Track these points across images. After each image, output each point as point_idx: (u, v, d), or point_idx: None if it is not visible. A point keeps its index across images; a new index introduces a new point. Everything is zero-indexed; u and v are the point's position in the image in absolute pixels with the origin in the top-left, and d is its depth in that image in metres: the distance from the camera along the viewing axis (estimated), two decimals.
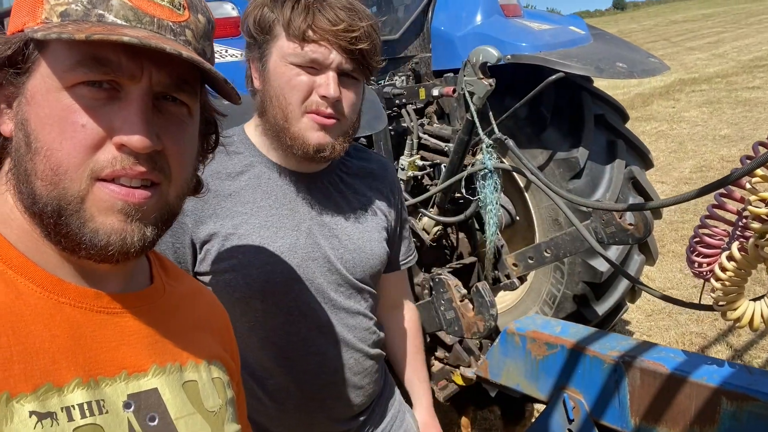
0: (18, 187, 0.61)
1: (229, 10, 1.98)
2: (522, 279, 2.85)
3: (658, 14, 52.15)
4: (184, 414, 0.67)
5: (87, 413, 0.58)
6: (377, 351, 1.30)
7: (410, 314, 1.47)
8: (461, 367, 2.21)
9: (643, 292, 3.06)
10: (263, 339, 1.17)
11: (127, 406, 0.63)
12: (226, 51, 1.83)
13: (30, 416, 0.55)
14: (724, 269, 1.15)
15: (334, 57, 1.06)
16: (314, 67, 1.07)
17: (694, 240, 1.23)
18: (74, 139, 0.58)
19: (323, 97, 1.07)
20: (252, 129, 1.20)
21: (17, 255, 0.61)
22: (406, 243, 1.41)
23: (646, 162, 2.82)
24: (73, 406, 0.58)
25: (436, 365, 2.32)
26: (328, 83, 1.07)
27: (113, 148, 0.59)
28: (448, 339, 2.25)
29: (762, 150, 1.04)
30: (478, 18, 2.71)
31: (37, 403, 0.56)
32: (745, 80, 12.11)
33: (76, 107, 0.58)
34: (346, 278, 1.21)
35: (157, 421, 0.64)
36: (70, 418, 0.57)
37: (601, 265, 2.52)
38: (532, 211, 2.74)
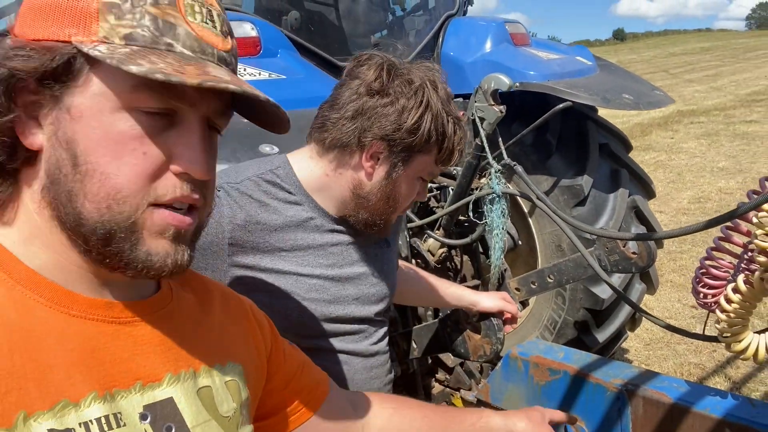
0: (56, 207, 0.59)
1: (249, 30, 2.02)
2: (524, 304, 2.87)
3: (657, 46, 52.90)
4: (200, 422, 0.67)
5: (105, 427, 0.58)
6: (388, 357, 1.35)
7: (407, 266, 1.55)
8: (461, 390, 2.22)
9: (642, 320, 3.08)
10: None
11: (143, 417, 0.62)
12: (245, 70, 1.86)
13: None
14: (729, 301, 1.17)
15: None
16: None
17: (701, 271, 1.25)
18: (136, 167, 0.58)
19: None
20: (303, 167, 1.18)
21: (24, 269, 0.60)
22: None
23: (648, 192, 2.86)
24: (90, 420, 0.57)
25: (437, 387, 2.32)
26: (425, 192, 1.22)
27: (172, 176, 0.60)
28: (450, 361, 2.26)
29: None
30: (488, 45, 2.77)
31: (54, 421, 0.55)
32: (743, 114, 12.26)
33: (135, 133, 0.58)
34: (369, 315, 1.26)
35: (174, 430, 0.64)
36: None
37: (602, 292, 2.54)
38: (535, 237, 2.77)
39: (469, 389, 2.19)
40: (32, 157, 0.60)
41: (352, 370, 1.22)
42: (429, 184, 2.57)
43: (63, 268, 0.62)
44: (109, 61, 0.55)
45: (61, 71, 0.57)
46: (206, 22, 0.61)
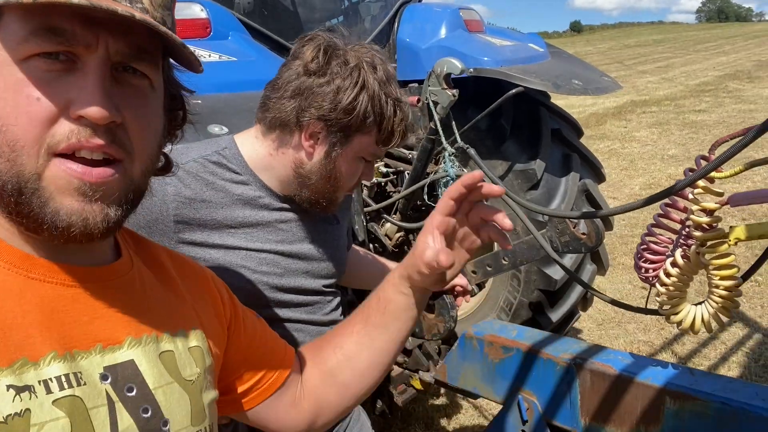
0: None
1: (198, 12, 1.98)
2: (480, 286, 2.92)
3: (612, 38, 54.24)
4: (162, 384, 0.68)
5: (65, 385, 0.58)
6: None
7: (359, 250, 1.58)
8: (420, 372, 2.24)
9: (594, 301, 3.18)
10: None
11: (104, 378, 0.63)
12: (194, 52, 1.82)
13: (8, 390, 0.55)
14: (668, 275, 1.22)
15: None
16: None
17: (641, 247, 1.30)
18: (29, 114, 0.56)
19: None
20: (248, 147, 1.19)
21: None
22: (350, 229, 1.52)
23: (598, 175, 2.94)
24: (50, 378, 0.58)
25: (396, 369, 2.34)
26: (372, 173, 1.24)
27: (70, 121, 0.57)
28: (408, 343, 2.28)
29: (704, 163, 1.12)
30: (443, 31, 2.79)
31: (14, 377, 0.55)
32: (692, 104, 12.73)
33: (30, 80, 0.56)
34: (319, 287, 1.27)
35: (135, 391, 0.64)
36: (48, 391, 0.57)
37: (555, 273, 2.61)
38: None
39: (428, 370, 2.22)
40: None
41: (309, 337, 1.24)
42: (385, 169, 2.60)
43: (13, 233, 0.61)
44: None
45: None
46: None
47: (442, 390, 3.06)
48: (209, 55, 1.84)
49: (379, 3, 3.15)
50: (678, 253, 1.20)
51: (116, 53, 0.59)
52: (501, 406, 1.82)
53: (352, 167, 1.16)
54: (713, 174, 1.04)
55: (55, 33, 0.56)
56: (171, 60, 0.69)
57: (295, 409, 0.93)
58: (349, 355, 0.93)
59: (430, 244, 0.82)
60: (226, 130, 1.47)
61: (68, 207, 0.58)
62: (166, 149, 0.74)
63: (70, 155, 0.58)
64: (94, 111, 0.56)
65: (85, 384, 0.60)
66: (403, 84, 2.84)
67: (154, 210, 1.08)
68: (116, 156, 0.60)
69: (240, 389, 0.88)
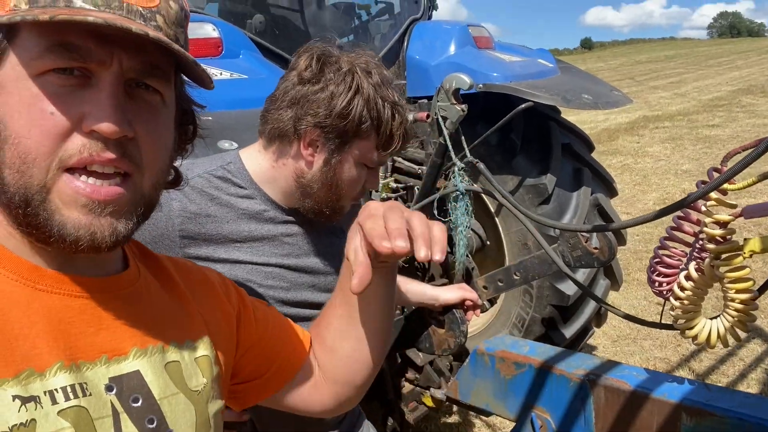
0: None
1: (210, 31, 2.02)
2: (492, 302, 2.90)
3: (623, 54, 54.25)
4: (167, 394, 0.68)
5: (71, 396, 0.59)
6: None
7: None
8: (431, 389, 2.22)
9: (609, 317, 3.14)
10: None
11: (109, 389, 0.63)
12: (207, 70, 1.85)
13: (13, 400, 0.55)
14: (682, 288, 1.20)
15: None
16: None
17: (654, 260, 1.28)
18: (43, 127, 0.57)
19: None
20: (252, 161, 1.20)
21: None
22: None
23: (610, 190, 2.92)
24: (56, 389, 0.58)
25: (407, 387, 2.31)
26: (376, 180, 1.22)
27: (82, 135, 0.58)
28: (419, 360, 2.26)
29: (716, 175, 1.11)
30: (452, 48, 2.81)
31: (19, 388, 0.56)
32: (706, 119, 12.65)
33: (45, 95, 0.57)
34: (326, 301, 1.26)
35: (140, 402, 0.65)
36: (54, 402, 0.57)
37: (568, 288, 2.58)
38: (502, 236, 2.80)
39: (439, 387, 2.20)
40: None
41: None
42: (395, 184, 2.60)
43: (23, 243, 0.62)
44: (3, 21, 0.56)
45: None
46: None
47: (454, 407, 3.02)
48: (221, 73, 1.87)
49: (389, 21, 3.19)
50: (692, 266, 1.18)
51: (129, 70, 0.61)
52: (514, 424, 1.80)
53: (353, 174, 1.15)
54: (726, 186, 1.03)
55: (70, 49, 0.57)
56: (183, 75, 0.71)
57: (318, 390, 0.93)
58: (339, 328, 0.92)
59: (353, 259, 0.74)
60: (235, 145, 1.48)
61: (75, 220, 0.59)
62: (177, 163, 0.75)
63: (80, 168, 0.59)
64: (106, 125, 0.58)
65: (90, 395, 0.60)
66: (413, 100, 2.86)
67: (159, 225, 1.08)
68: (126, 170, 0.61)
69: (258, 378, 0.88)
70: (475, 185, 2.25)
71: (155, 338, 0.70)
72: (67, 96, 0.58)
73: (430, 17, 3.27)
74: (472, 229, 2.31)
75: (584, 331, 2.80)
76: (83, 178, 0.59)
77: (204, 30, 2.01)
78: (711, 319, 1.24)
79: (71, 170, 0.59)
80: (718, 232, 1.07)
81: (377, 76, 1.12)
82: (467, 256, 2.27)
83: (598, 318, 2.89)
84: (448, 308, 1.60)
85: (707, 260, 1.13)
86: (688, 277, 1.18)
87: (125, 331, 0.67)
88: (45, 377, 0.58)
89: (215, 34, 2.02)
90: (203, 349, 0.76)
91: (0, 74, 0.59)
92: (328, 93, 1.09)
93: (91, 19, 0.54)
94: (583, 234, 1.88)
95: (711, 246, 1.09)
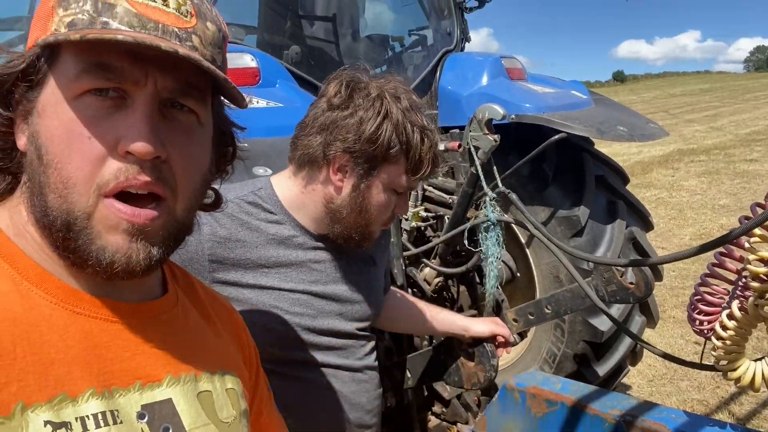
0: (31, 200, 0.61)
1: (248, 61, 2.08)
2: (522, 335, 2.83)
3: (657, 87, 53.73)
4: (198, 425, 0.67)
5: (101, 423, 0.58)
6: (376, 372, 1.35)
7: (397, 293, 1.55)
8: (458, 424, 2.17)
9: (644, 355, 3.03)
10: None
11: (141, 416, 0.62)
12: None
13: (45, 426, 0.54)
14: (725, 328, 1.15)
15: None
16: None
17: (695, 298, 1.24)
18: (82, 152, 0.58)
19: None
20: (282, 187, 1.21)
21: (33, 265, 0.61)
22: (388, 271, 1.51)
23: (646, 224, 2.85)
24: (87, 416, 0.57)
25: (433, 420, 2.27)
26: (406, 206, 1.22)
27: (119, 159, 0.59)
28: (446, 393, 2.21)
29: (760, 211, 1.07)
30: (484, 79, 2.82)
31: (51, 413, 0.55)
32: (743, 153, 12.35)
33: (83, 118, 0.58)
34: (353, 330, 1.25)
35: (171, 431, 0.64)
36: (85, 428, 0.57)
37: (602, 324, 2.50)
38: (533, 268, 2.75)
39: (466, 422, 2.15)
40: (24, 157, 0.63)
41: (340, 383, 1.22)
42: (425, 213, 2.59)
43: (61, 266, 0.62)
44: (39, 42, 0.58)
45: (30, 72, 0.61)
46: (154, 0, 0.61)
47: None
48: (257, 102, 1.91)
49: (422, 53, 3.23)
50: (735, 304, 1.13)
51: (164, 89, 0.61)
52: None
53: (382, 199, 1.15)
54: None
55: (106, 69, 0.58)
56: (221, 97, 0.71)
57: None
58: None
59: None
60: (270, 171, 1.50)
61: (114, 244, 0.60)
62: (216, 185, 0.75)
63: (118, 194, 0.60)
64: (140, 146, 0.58)
65: (121, 422, 0.60)
66: (445, 130, 2.87)
67: (189, 249, 1.10)
68: (161, 194, 0.62)
69: None
70: (506, 216, 2.22)
71: (189, 366, 0.69)
72: (103, 119, 0.59)
73: (462, 49, 3.30)
74: (502, 261, 2.28)
75: (619, 370, 2.70)
76: (118, 204, 0.60)
77: (243, 60, 2.07)
78: (755, 360, 1.18)
79: (108, 196, 0.59)
80: (763, 270, 1.03)
81: (406, 101, 1.12)
82: (497, 287, 2.23)
83: (634, 356, 2.80)
84: (478, 341, 1.57)
85: (751, 299, 1.09)
86: (730, 316, 1.14)
87: (160, 358, 0.67)
88: (77, 403, 0.58)
89: (253, 63, 2.08)
90: (232, 382, 0.75)
91: (41, 98, 0.61)
92: (357, 118, 1.09)
93: (120, 38, 0.55)
94: (618, 268, 1.83)
95: (755, 284, 1.05)
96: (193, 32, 0.63)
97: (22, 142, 0.63)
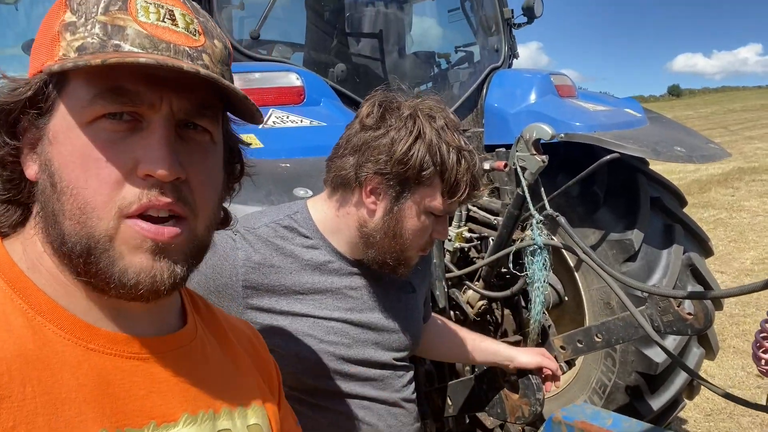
0: (46, 230, 0.60)
1: (294, 80, 2.08)
2: (570, 364, 2.71)
3: (714, 102, 51.73)
4: None
5: None
6: (414, 405, 1.30)
7: (438, 319, 1.50)
8: None
9: (702, 389, 2.85)
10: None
11: None
12: (288, 117, 1.91)
13: None
14: None
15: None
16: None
17: (761, 335, 1.15)
18: (99, 177, 0.57)
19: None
20: (318, 210, 1.19)
21: (46, 300, 0.59)
22: (429, 297, 1.47)
23: (705, 249, 2.70)
24: None
25: None
26: (445, 230, 1.16)
27: (138, 182, 0.58)
28: (489, 422, 2.13)
29: None
30: (533, 97, 2.75)
31: None
32: None
33: (98, 143, 0.58)
34: (390, 360, 1.21)
35: None
36: None
37: (656, 355, 2.36)
38: (582, 293, 2.64)
39: None
40: (35, 187, 0.62)
41: (375, 416, 1.17)
42: (469, 234, 2.53)
43: (72, 296, 0.61)
44: (54, 69, 0.56)
45: (38, 99, 0.59)
46: (163, 21, 0.60)
47: None
48: (301, 120, 1.91)
49: (468, 69, 3.19)
50: None
51: (180, 111, 0.60)
52: None
53: (417, 223, 1.10)
54: None
55: (120, 93, 0.57)
56: (228, 113, 0.70)
57: None
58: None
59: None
60: (310, 193, 1.49)
61: (137, 265, 0.59)
62: (225, 203, 0.74)
63: (138, 215, 0.59)
64: (161, 169, 0.57)
65: None
66: (491, 148, 2.80)
67: (224, 275, 1.08)
68: (181, 213, 0.61)
69: None
70: (554, 239, 2.14)
71: (207, 403, 0.66)
72: (119, 142, 0.58)
73: (510, 65, 3.24)
74: (549, 284, 2.18)
75: (674, 404, 2.55)
76: (142, 222, 0.59)
77: (288, 79, 2.08)
78: None
79: (131, 216, 0.59)
80: None
81: (442, 120, 1.08)
82: (543, 312, 2.14)
83: (690, 389, 2.63)
84: (522, 372, 1.50)
85: None
86: None
87: (176, 395, 0.64)
88: None
89: (298, 82, 2.08)
90: (255, 417, 0.72)
91: (51, 125, 0.60)
92: (389, 139, 1.06)
93: (143, 61, 0.54)
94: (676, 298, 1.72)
95: None
96: (203, 50, 0.62)
97: (32, 171, 0.62)
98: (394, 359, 1.21)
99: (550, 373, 1.47)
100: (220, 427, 0.67)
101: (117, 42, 0.58)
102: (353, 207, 1.13)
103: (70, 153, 0.58)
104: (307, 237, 1.15)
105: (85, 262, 0.58)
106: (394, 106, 1.09)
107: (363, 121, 1.10)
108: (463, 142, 1.09)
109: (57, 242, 0.59)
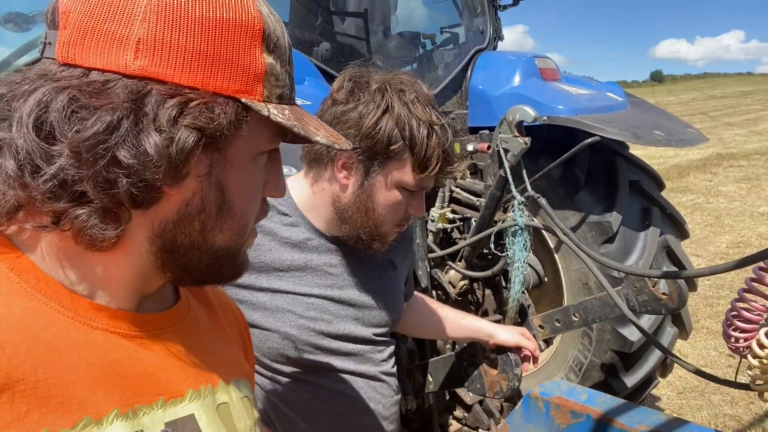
0: (173, 238, 0.60)
1: None
2: (548, 342, 2.77)
3: (696, 89, 52.28)
4: None
5: None
6: (395, 379, 1.32)
7: (420, 297, 1.52)
8: (480, 430, 2.13)
9: (675, 367, 2.94)
10: (289, 390, 1.17)
11: None
12: None
13: None
14: (762, 346, 1.10)
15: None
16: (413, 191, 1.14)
17: (731, 313, 1.19)
18: (256, 202, 0.67)
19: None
20: (296, 188, 1.19)
21: (54, 283, 0.58)
22: (411, 275, 1.47)
23: (681, 232, 2.76)
24: None
25: (454, 425, 2.24)
26: (420, 206, 1.16)
27: (260, 200, 0.69)
28: (468, 398, 2.18)
29: None
30: (516, 79, 2.77)
31: None
32: None
33: (259, 173, 0.66)
34: (369, 336, 1.23)
35: None
36: None
37: (631, 334, 2.43)
38: (561, 273, 2.69)
39: (488, 429, 2.11)
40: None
41: (355, 389, 1.20)
42: (452, 215, 2.56)
43: (81, 279, 0.60)
44: (278, 119, 0.61)
45: (230, 126, 0.59)
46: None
47: None
48: None
49: (453, 51, 3.19)
50: None
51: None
52: None
53: (390, 198, 1.10)
54: None
55: (284, 135, 0.66)
56: None
57: None
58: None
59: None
60: (294, 171, 1.49)
61: (247, 259, 0.70)
62: None
63: None
64: (280, 194, 0.71)
65: None
66: (475, 130, 2.82)
67: None
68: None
69: None
70: (534, 220, 2.17)
71: (207, 378, 0.68)
72: (263, 171, 0.67)
73: (495, 48, 3.25)
74: (529, 264, 2.22)
75: (648, 381, 2.63)
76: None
77: None
78: None
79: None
80: None
81: (412, 94, 1.07)
82: (523, 292, 2.19)
83: (664, 367, 2.71)
84: (502, 349, 1.53)
85: None
86: None
87: (180, 370, 0.66)
88: (102, 425, 0.56)
89: None
90: (245, 389, 0.75)
91: (234, 151, 0.61)
92: (357, 113, 1.06)
93: (320, 139, 0.64)
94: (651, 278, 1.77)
95: None
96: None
97: (188, 187, 0.60)
98: (374, 335, 1.23)
99: (528, 353, 1.51)
100: (220, 401, 0.69)
101: (292, 94, 0.66)
102: (327, 182, 1.13)
103: (244, 179, 0.64)
104: (286, 215, 1.16)
105: (209, 264, 0.65)
106: (363, 80, 1.09)
107: (333, 96, 1.10)
108: (434, 117, 1.08)
109: (186, 249, 0.62)
